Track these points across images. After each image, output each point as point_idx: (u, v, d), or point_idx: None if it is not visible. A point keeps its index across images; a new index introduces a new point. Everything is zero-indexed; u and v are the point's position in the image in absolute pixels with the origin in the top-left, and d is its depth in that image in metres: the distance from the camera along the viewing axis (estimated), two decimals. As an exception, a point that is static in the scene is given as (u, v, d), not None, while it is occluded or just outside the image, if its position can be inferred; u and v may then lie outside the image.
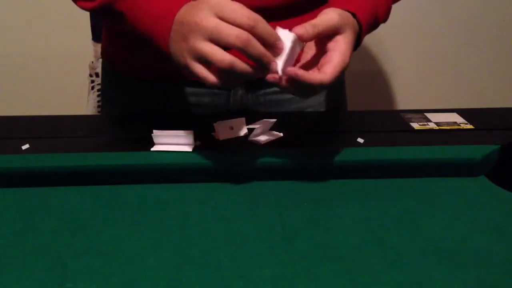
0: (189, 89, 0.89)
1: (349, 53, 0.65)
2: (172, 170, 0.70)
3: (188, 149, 0.72)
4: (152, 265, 0.55)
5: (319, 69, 0.64)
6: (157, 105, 0.90)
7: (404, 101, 1.68)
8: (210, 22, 0.59)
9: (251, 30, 0.58)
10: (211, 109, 0.91)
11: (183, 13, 0.62)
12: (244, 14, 0.59)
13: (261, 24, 0.59)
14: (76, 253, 0.57)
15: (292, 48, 0.62)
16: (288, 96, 0.91)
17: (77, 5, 0.77)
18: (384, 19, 0.81)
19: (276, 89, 0.90)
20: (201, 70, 0.61)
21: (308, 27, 0.62)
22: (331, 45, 0.64)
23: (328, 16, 0.64)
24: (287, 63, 0.62)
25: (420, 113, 0.87)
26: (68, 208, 0.66)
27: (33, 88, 1.56)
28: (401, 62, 1.63)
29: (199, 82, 0.90)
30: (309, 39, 0.63)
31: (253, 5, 0.80)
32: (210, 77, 0.61)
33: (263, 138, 0.76)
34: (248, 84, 0.89)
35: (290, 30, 0.63)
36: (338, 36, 0.64)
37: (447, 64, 1.64)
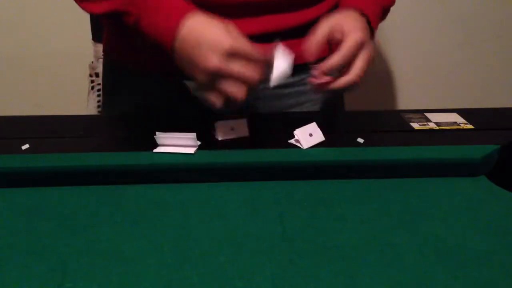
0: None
1: (357, 34, 0.70)
2: (172, 170, 0.70)
3: (191, 151, 0.72)
4: (152, 265, 0.55)
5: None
6: (158, 99, 0.90)
7: (404, 101, 1.68)
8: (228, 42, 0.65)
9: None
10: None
11: (196, 25, 0.67)
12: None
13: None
14: (76, 253, 0.57)
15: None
16: (286, 90, 0.92)
17: (86, 9, 0.78)
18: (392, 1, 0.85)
19: None
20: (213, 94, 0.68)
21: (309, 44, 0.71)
22: (339, 41, 0.71)
23: (320, 25, 0.72)
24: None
25: (420, 113, 0.87)
26: (68, 208, 0.66)
27: (33, 88, 1.56)
28: (401, 62, 1.63)
29: None
30: (315, 52, 0.71)
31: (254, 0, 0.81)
32: (218, 101, 0.67)
33: (307, 141, 0.75)
34: None
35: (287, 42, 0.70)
36: (343, 29, 0.71)
37: (447, 64, 1.63)
